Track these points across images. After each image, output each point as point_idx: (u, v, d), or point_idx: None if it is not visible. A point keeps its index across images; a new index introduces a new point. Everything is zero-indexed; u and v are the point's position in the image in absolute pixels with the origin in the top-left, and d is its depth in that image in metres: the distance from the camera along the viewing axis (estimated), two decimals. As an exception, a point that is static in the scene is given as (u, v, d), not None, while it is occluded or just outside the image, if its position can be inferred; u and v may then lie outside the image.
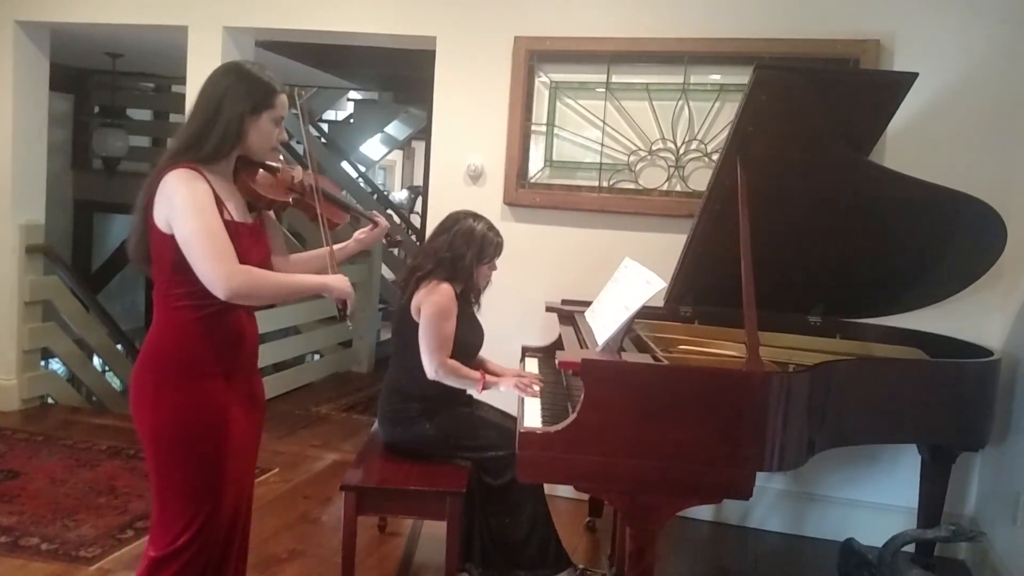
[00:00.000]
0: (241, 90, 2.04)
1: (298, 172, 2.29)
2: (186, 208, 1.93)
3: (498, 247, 3.07)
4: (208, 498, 2.06)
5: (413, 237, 8.71)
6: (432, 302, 2.90)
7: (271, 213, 2.28)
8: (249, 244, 2.08)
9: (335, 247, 2.33)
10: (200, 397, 2.03)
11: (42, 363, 5.34)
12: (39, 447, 4.36)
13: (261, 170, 2.18)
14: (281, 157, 2.27)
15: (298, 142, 8.60)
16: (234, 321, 2.08)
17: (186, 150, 2.02)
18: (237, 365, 2.12)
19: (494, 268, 3.11)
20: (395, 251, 2.47)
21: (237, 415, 2.10)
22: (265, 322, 5.19)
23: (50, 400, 5.27)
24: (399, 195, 12.18)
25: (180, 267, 1.96)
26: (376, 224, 2.52)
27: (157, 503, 2.08)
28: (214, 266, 1.92)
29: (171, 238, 1.95)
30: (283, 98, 2.11)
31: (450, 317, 2.92)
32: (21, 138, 4.82)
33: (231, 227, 2.01)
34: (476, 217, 3.06)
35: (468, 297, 3.09)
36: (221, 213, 1.99)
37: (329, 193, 2.37)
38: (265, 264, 2.17)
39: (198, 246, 1.92)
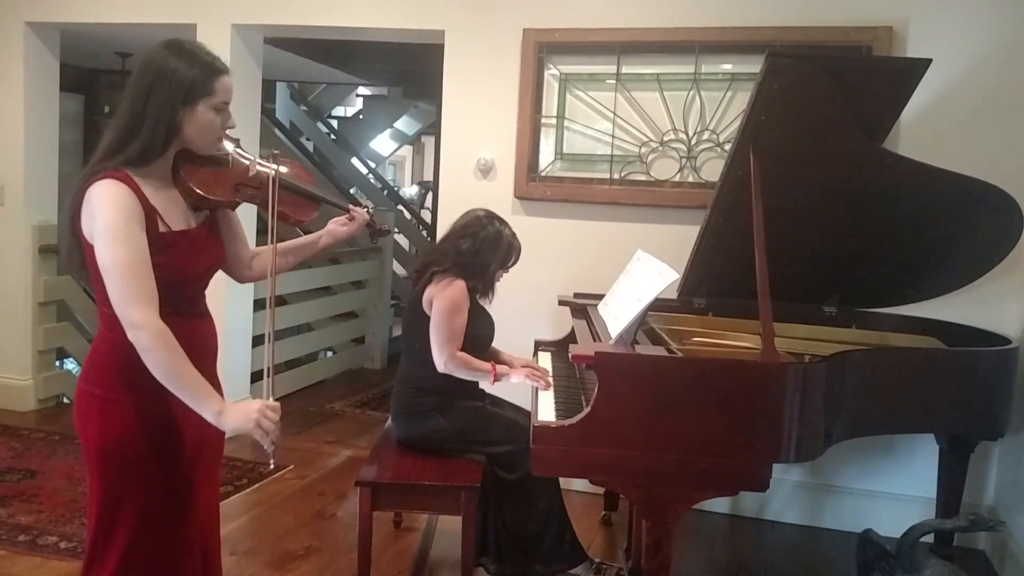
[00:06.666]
0: (172, 75, 1.75)
1: (255, 164, 1.96)
2: (105, 232, 1.70)
3: (519, 253, 3.09)
4: (161, 522, 1.88)
5: (424, 233, 8.71)
6: (446, 296, 2.91)
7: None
8: (191, 254, 1.87)
9: (305, 239, 2.08)
10: (151, 409, 1.83)
11: (57, 363, 5.36)
12: (56, 446, 4.38)
13: (204, 166, 1.88)
14: (239, 141, 1.97)
15: (308, 139, 8.62)
16: (187, 331, 1.83)
17: (113, 153, 1.77)
18: None
19: (507, 271, 3.12)
20: (377, 242, 2.30)
21: (189, 433, 1.90)
22: (278, 319, 5.20)
23: (66, 400, 5.28)
24: (409, 190, 12.19)
25: None
26: (352, 218, 2.25)
27: (103, 530, 1.86)
28: (124, 309, 1.71)
29: None
30: (225, 80, 1.82)
31: (462, 311, 2.92)
32: (32, 139, 4.84)
33: (167, 238, 1.79)
34: (501, 221, 3.06)
35: (477, 291, 3.08)
36: (156, 226, 1.77)
37: (292, 185, 2.05)
38: (214, 269, 1.98)
39: (114, 280, 1.71)
